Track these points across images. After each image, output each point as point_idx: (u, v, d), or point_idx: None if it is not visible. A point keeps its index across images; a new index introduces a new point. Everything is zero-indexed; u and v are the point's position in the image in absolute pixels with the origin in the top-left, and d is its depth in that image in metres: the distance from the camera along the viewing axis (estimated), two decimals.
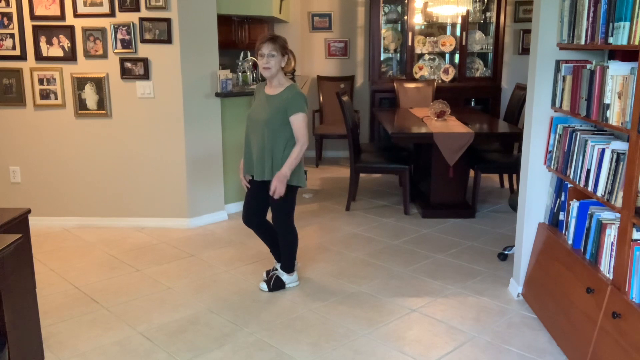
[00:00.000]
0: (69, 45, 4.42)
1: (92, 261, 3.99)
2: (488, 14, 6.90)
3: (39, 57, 4.47)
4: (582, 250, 2.78)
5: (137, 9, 4.33)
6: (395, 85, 6.58)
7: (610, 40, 2.38)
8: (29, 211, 2.63)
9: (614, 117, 2.37)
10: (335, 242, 4.35)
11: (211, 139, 4.70)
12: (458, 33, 6.84)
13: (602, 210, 2.64)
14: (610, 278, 2.45)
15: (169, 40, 4.36)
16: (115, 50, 4.41)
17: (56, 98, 4.53)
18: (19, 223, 2.52)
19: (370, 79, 7.04)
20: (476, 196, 4.97)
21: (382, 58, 7.04)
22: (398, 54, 7.22)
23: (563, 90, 2.92)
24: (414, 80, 6.81)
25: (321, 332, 3.00)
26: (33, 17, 4.40)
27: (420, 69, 6.93)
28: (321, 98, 7.22)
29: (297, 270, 3.60)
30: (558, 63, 2.99)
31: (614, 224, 2.48)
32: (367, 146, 5.76)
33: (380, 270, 3.79)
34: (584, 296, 2.59)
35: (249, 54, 5.45)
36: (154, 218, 4.69)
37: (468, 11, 6.55)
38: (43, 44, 4.44)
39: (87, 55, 4.44)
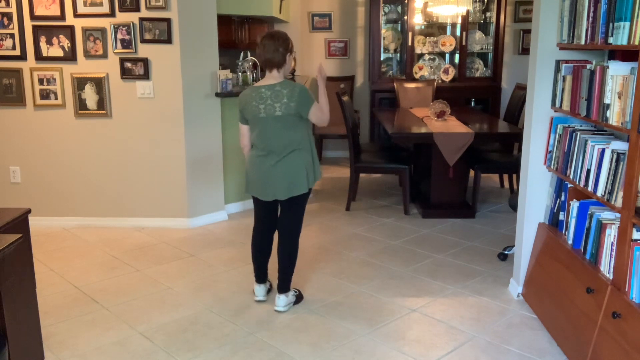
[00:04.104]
0: (69, 45, 4.42)
1: (92, 261, 3.99)
2: (488, 14, 6.90)
3: (39, 57, 4.47)
4: (582, 250, 2.78)
5: (137, 9, 4.33)
6: (395, 85, 6.58)
7: (610, 40, 2.38)
8: (29, 211, 2.63)
9: (614, 117, 2.37)
10: (335, 242, 4.35)
11: (211, 139, 4.70)
12: (458, 33, 6.84)
13: (602, 210, 2.64)
14: (610, 278, 2.45)
15: (169, 40, 4.36)
16: (115, 50, 4.41)
17: (56, 98, 4.53)
18: (19, 223, 2.52)
19: (370, 79, 7.03)
20: (476, 196, 4.97)
21: (382, 58, 7.04)
22: (398, 54, 7.22)
23: (563, 90, 2.92)
24: (414, 80, 6.81)
25: (321, 332, 3.00)
26: (33, 17, 4.40)
27: (420, 69, 6.93)
28: None
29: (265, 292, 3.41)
30: (558, 63, 2.99)
31: (614, 224, 2.48)
32: (367, 146, 5.76)
33: (380, 270, 3.79)
34: (584, 296, 2.59)
35: (249, 53, 5.45)
36: (154, 218, 4.69)
37: (468, 11, 6.55)
38: (43, 44, 4.44)
39: (87, 55, 4.44)
